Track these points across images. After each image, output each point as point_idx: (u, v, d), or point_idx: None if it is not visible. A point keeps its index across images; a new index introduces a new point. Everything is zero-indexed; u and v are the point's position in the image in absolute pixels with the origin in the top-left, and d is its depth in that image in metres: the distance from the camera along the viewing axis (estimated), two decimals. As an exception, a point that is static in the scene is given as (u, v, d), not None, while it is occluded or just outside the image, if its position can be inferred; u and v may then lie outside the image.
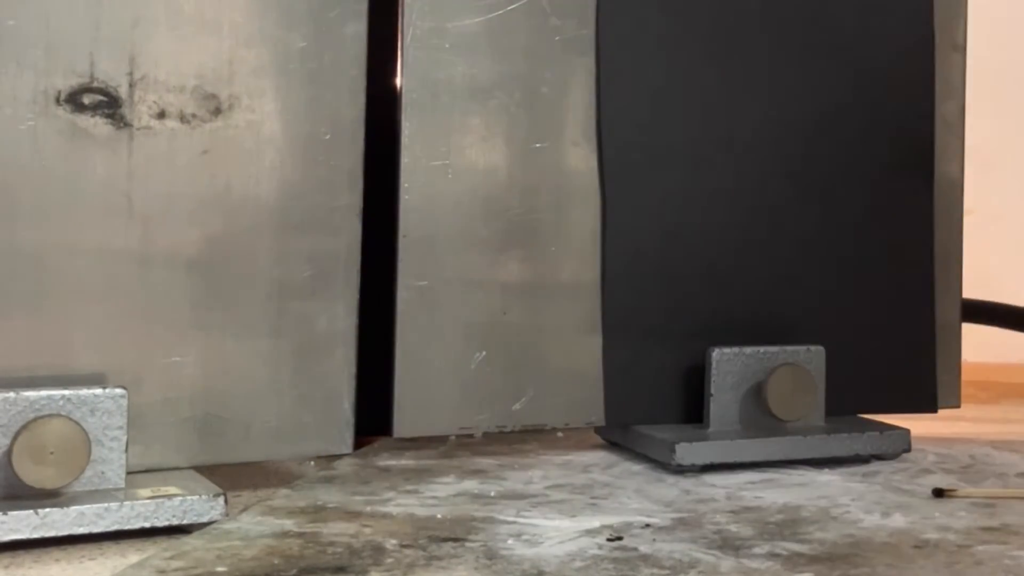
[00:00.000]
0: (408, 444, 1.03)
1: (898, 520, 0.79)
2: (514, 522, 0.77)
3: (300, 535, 0.74)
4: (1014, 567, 0.69)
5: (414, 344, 0.95)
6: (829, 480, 0.91)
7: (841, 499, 0.85)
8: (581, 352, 1.00)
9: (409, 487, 0.87)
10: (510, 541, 0.73)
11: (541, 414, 0.99)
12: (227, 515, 0.79)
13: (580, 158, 1.01)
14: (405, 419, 0.95)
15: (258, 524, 0.76)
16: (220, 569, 0.67)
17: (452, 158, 0.96)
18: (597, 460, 0.98)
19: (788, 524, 0.77)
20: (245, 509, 0.81)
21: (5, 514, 0.74)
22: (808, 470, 0.94)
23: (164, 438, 0.86)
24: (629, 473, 0.93)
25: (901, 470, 0.95)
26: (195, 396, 0.87)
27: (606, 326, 1.00)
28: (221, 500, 0.79)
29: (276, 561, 0.68)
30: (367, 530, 0.75)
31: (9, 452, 0.76)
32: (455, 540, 0.73)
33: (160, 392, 0.85)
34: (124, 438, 0.80)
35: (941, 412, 1.09)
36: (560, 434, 1.10)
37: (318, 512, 0.80)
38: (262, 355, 0.89)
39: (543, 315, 0.99)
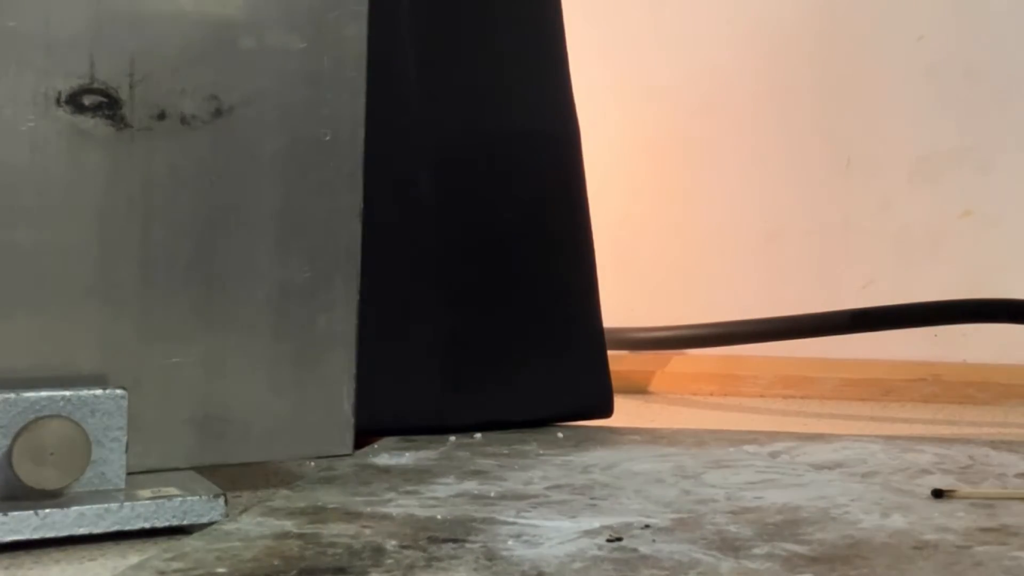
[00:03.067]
0: (408, 444, 1.03)
1: (897, 521, 0.79)
2: (514, 523, 0.77)
3: (300, 536, 0.74)
4: (1014, 568, 0.69)
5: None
6: (829, 480, 0.91)
7: (840, 499, 0.85)
8: None
9: (409, 488, 0.87)
10: (510, 542, 0.73)
11: None
12: (227, 516, 0.79)
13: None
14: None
15: (258, 525, 0.76)
16: (220, 570, 0.67)
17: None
18: (597, 460, 0.98)
19: (787, 525, 0.77)
20: (245, 510, 0.81)
21: (5, 515, 0.74)
22: (808, 470, 0.94)
23: (164, 439, 0.86)
24: (629, 474, 0.93)
25: (900, 470, 0.95)
26: (195, 397, 0.87)
27: None
28: (221, 501, 0.79)
29: (276, 562, 0.68)
30: (367, 531, 0.75)
31: (9, 453, 0.76)
32: (455, 541, 0.73)
33: (160, 393, 0.86)
34: (124, 439, 0.80)
35: (940, 412, 1.09)
36: (560, 434, 1.10)
37: (318, 513, 0.80)
38: (262, 356, 0.89)
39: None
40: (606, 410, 1.17)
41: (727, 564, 0.69)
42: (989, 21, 1.63)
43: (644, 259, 1.73)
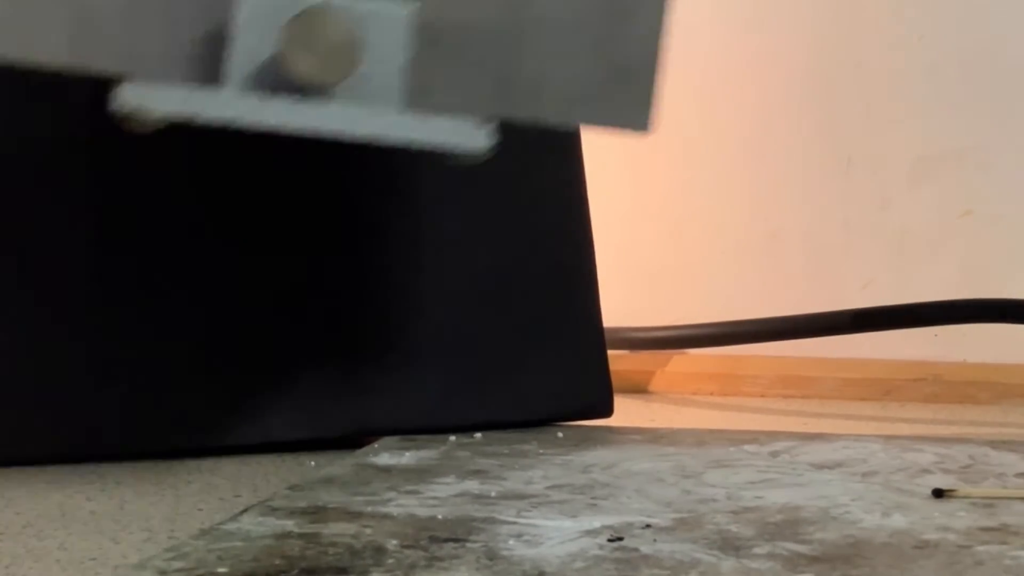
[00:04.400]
0: (408, 444, 1.03)
1: (898, 520, 0.79)
2: (515, 522, 0.77)
3: (301, 536, 0.74)
4: (1014, 567, 0.69)
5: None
6: (829, 479, 0.91)
7: (840, 499, 0.85)
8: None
9: (410, 487, 0.87)
10: (511, 541, 0.73)
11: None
12: (491, 149, 0.74)
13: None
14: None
15: (259, 525, 0.77)
16: (221, 569, 0.67)
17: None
18: (597, 460, 0.98)
19: (788, 524, 0.77)
20: (246, 510, 0.81)
21: (268, 103, 0.69)
22: (808, 469, 0.95)
23: (453, 82, 0.79)
24: (629, 473, 0.93)
25: (900, 470, 0.95)
26: (494, 50, 0.80)
27: None
28: (485, 131, 0.74)
29: (277, 562, 0.68)
30: (368, 531, 0.75)
31: (281, 41, 0.71)
32: (456, 540, 0.73)
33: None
34: (403, 57, 0.74)
35: (940, 412, 1.09)
36: (560, 434, 1.10)
37: (319, 512, 0.80)
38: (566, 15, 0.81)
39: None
40: (606, 410, 1.17)
41: (728, 564, 0.69)
42: (989, 20, 1.63)
43: (644, 259, 1.73)
